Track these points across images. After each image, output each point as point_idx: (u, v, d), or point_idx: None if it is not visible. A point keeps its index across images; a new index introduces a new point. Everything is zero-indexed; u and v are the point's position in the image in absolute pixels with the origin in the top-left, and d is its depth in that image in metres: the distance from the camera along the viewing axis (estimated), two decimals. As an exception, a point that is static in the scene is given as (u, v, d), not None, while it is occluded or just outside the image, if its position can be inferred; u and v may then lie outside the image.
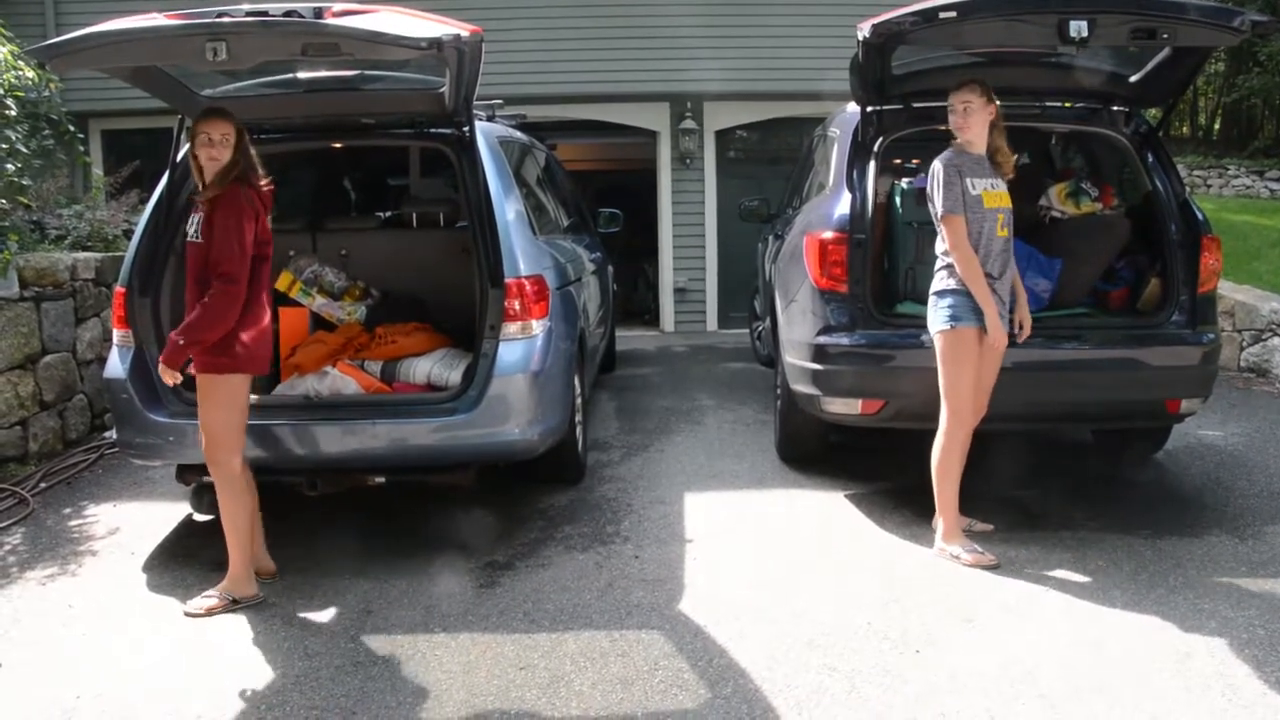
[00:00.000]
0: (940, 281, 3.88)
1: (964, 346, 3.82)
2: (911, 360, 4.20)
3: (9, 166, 5.60)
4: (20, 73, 5.49)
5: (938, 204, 3.82)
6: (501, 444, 4.10)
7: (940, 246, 3.89)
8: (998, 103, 3.87)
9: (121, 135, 10.35)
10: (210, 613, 3.53)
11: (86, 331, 6.07)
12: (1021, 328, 4.01)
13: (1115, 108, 4.70)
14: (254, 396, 4.02)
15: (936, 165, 3.86)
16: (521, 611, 3.54)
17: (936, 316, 3.88)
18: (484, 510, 4.57)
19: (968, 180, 3.81)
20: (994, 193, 3.86)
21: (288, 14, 3.18)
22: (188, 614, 3.54)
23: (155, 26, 3.29)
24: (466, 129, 4.28)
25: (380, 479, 4.19)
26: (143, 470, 5.22)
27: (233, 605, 3.57)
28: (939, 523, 3.97)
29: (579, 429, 4.98)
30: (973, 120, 3.83)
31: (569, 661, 3.16)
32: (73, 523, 4.61)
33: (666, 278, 11.20)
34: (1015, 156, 4.04)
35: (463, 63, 3.62)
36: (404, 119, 4.54)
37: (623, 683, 3.03)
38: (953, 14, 3.68)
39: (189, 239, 3.59)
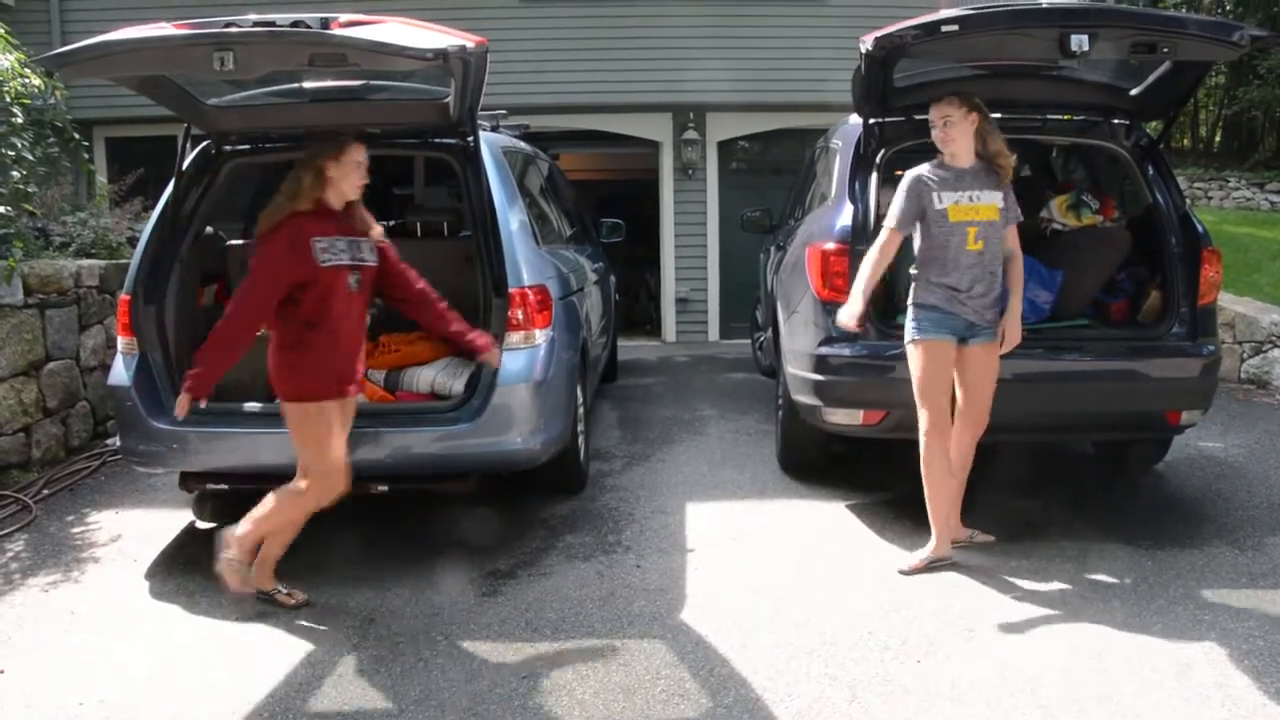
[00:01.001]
0: (910, 295, 3.91)
1: (928, 357, 3.83)
2: (912, 371, 4.21)
3: (14, 173, 5.62)
4: (26, 80, 5.51)
5: (889, 212, 3.87)
6: (504, 453, 4.12)
7: (913, 257, 3.91)
8: (981, 110, 3.81)
9: (125, 143, 10.39)
10: None
11: (90, 339, 6.09)
12: (1003, 340, 3.94)
13: (1116, 120, 4.71)
14: (258, 405, 4.04)
15: (905, 176, 3.87)
16: (523, 620, 3.55)
17: (906, 330, 3.92)
18: (486, 519, 4.57)
19: (935, 194, 3.79)
20: (968, 205, 3.79)
21: (295, 25, 3.20)
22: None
23: (163, 36, 3.30)
24: (471, 139, 4.30)
25: (383, 487, 4.19)
26: (145, 477, 5.23)
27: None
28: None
29: (581, 438, 5.00)
30: (954, 132, 3.81)
31: (571, 670, 3.17)
32: (75, 530, 4.62)
33: (668, 288, 11.23)
34: (1013, 156, 4.01)
35: (468, 73, 3.64)
36: (409, 129, 4.56)
37: (625, 691, 3.04)
38: (954, 28, 3.69)
39: (363, 262, 3.60)
